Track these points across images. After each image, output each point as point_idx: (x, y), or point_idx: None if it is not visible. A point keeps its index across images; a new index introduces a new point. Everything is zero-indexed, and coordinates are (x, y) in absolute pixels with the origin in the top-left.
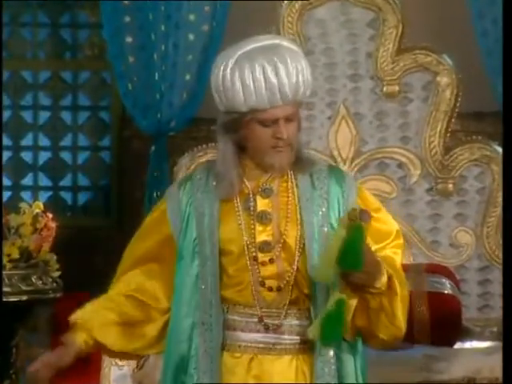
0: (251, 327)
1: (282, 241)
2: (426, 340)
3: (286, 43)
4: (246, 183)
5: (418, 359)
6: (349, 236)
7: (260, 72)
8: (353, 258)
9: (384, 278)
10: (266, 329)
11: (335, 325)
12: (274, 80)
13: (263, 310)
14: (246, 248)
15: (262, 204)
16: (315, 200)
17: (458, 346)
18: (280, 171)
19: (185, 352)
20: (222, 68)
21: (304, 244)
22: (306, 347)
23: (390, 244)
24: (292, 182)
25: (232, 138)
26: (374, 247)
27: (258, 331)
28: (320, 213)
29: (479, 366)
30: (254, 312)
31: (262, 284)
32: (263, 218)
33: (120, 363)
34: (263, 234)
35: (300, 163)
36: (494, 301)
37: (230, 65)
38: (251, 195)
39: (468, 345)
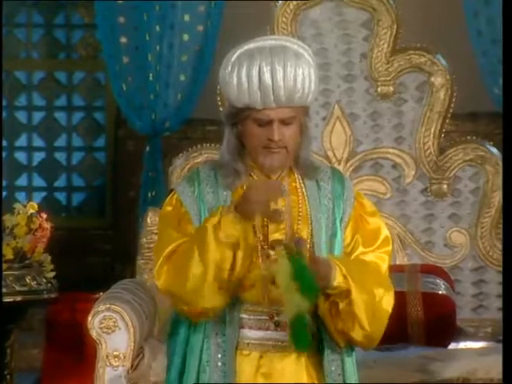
0: (260, 325)
1: None
2: (420, 340)
3: (294, 46)
4: None
5: (412, 360)
6: (295, 269)
7: (256, 72)
8: (309, 286)
9: (338, 277)
10: (276, 326)
11: (300, 331)
12: (268, 81)
13: (273, 307)
14: (258, 246)
15: (275, 203)
16: (321, 200)
17: (452, 346)
18: (270, 172)
19: (199, 344)
20: (226, 61)
21: (314, 242)
22: (313, 345)
23: (378, 249)
24: (300, 183)
25: (233, 130)
26: (360, 250)
27: (267, 329)
28: (326, 212)
29: (474, 367)
30: (264, 309)
31: (273, 282)
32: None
33: (114, 364)
34: (277, 233)
35: (306, 170)
36: (488, 301)
37: (232, 60)
38: None
39: (462, 345)
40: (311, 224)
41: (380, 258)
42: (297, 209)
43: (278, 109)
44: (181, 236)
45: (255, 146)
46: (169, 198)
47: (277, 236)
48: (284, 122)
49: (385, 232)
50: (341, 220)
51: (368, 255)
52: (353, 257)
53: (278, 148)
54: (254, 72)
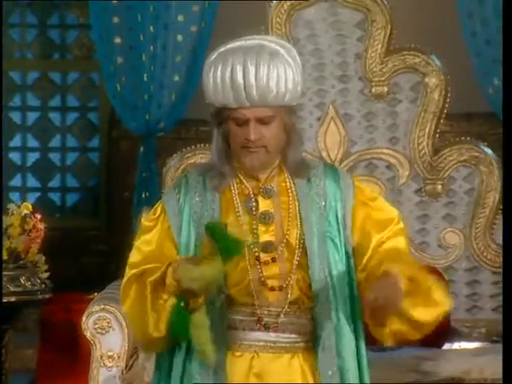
0: (251, 326)
1: (285, 240)
2: (414, 340)
3: (271, 45)
4: (246, 184)
5: (406, 360)
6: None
7: (229, 71)
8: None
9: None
10: (266, 328)
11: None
12: (240, 81)
13: (263, 308)
14: (247, 248)
15: (264, 205)
16: (312, 198)
17: (446, 346)
18: (252, 171)
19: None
20: (206, 62)
21: (303, 243)
22: (307, 345)
23: (392, 232)
24: (290, 182)
25: (219, 131)
26: (376, 237)
27: (258, 330)
28: (317, 210)
29: (468, 367)
30: (254, 311)
31: (264, 283)
32: (266, 218)
33: (109, 364)
34: (266, 235)
35: (296, 169)
36: (483, 302)
37: (210, 60)
38: (252, 196)
39: (456, 346)
40: (301, 225)
41: (396, 242)
42: (287, 209)
43: (254, 108)
44: (151, 256)
45: (236, 146)
46: (155, 206)
47: (266, 238)
48: (262, 122)
49: (394, 211)
50: (343, 216)
51: (385, 242)
52: (371, 249)
53: (257, 147)
54: (228, 72)
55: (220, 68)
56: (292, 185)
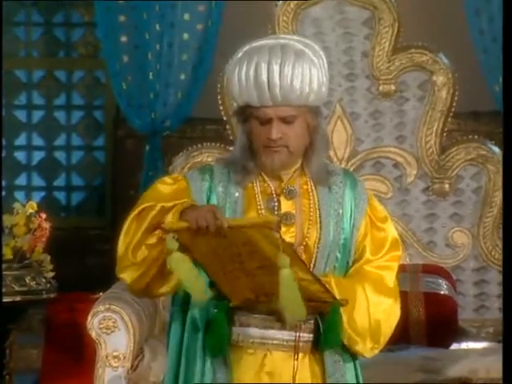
0: (266, 324)
1: (304, 243)
2: (422, 341)
3: (297, 45)
4: (269, 183)
5: (414, 360)
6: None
7: (254, 70)
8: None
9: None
10: (281, 326)
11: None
12: (264, 79)
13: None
14: None
15: (286, 205)
16: (332, 203)
17: (454, 346)
18: (271, 171)
19: (199, 345)
20: (231, 59)
21: (320, 247)
22: (317, 345)
23: (385, 256)
24: (311, 185)
25: (243, 128)
26: (366, 257)
27: (272, 328)
28: (335, 217)
29: (475, 367)
30: (269, 309)
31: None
32: (287, 219)
33: (114, 364)
34: (286, 236)
35: (318, 176)
36: (490, 301)
37: (235, 58)
38: (274, 196)
39: (464, 345)
40: (320, 228)
41: (386, 267)
42: (307, 212)
43: (277, 107)
44: (165, 196)
45: (258, 145)
46: (173, 176)
47: (286, 239)
48: (285, 121)
49: (395, 236)
50: (353, 226)
51: (373, 263)
52: (358, 265)
53: (279, 147)
54: (252, 71)
55: (245, 66)
56: (313, 188)
